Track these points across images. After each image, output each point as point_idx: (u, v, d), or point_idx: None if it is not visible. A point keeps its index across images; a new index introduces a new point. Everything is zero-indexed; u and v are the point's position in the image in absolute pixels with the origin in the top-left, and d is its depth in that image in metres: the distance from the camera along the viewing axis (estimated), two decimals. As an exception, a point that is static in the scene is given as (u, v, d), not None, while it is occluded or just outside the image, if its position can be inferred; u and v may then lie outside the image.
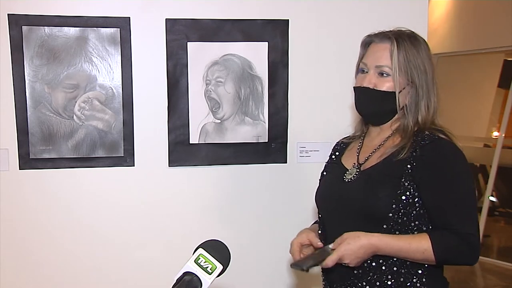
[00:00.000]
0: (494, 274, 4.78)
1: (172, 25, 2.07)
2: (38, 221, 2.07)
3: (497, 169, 5.35)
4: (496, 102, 6.10)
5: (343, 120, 2.14)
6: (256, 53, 2.13)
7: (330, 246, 1.43)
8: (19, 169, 2.03)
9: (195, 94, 2.11)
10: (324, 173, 1.72)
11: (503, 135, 5.39)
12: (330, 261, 1.40)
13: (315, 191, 1.68)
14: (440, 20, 5.99)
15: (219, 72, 2.12)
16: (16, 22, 1.97)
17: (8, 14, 1.97)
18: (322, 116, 2.19)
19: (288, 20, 2.14)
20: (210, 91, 2.12)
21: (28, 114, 2.01)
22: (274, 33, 2.13)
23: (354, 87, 1.59)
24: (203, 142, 2.14)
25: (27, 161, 2.03)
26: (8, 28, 1.97)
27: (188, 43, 2.09)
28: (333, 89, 2.19)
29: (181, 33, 2.08)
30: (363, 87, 1.53)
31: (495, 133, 5.87)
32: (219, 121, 2.14)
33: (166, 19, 2.07)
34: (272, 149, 2.19)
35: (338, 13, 2.18)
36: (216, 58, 2.11)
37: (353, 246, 1.40)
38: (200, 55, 2.10)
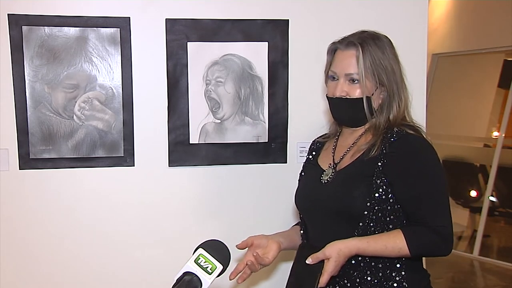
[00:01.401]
0: (494, 274, 4.78)
1: (172, 25, 2.07)
2: (38, 221, 2.07)
3: (497, 169, 5.35)
4: (496, 102, 6.10)
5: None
6: (256, 53, 2.13)
7: (308, 261, 1.43)
8: (19, 169, 2.03)
9: (195, 94, 2.11)
10: (303, 173, 1.77)
11: (503, 135, 5.39)
12: (323, 284, 1.42)
13: (295, 192, 1.72)
14: (440, 20, 5.99)
15: (219, 72, 2.12)
16: (16, 22, 1.97)
17: (8, 14, 1.97)
18: (322, 116, 2.19)
19: (288, 20, 2.14)
20: (210, 91, 2.12)
21: (28, 114, 2.01)
22: (274, 33, 2.13)
23: (327, 96, 1.63)
24: (203, 142, 2.14)
25: (27, 161, 2.03)
26: (8, 28, 1.97)
27: (188, 43, 2.09)
28: (333, 89, 2.19)
29: (181, 33, 2.08)
30: (336, 97, 1.57)
31: (495, 133, 5.87)
32: (219, 121, 2.14)
33: (166, 19, 2.07)
34: (272, 149, 2.19)
35: (338, 13, 2.18)
36: (216, 58, 2.11)
37: (340, 261, 1.43)
38: (200, 55, 2.10)
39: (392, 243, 1.44)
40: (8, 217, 2.05)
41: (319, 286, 1.41)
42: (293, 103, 2.19)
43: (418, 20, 2.23)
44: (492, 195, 5.45)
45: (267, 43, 2.13)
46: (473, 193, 5.82)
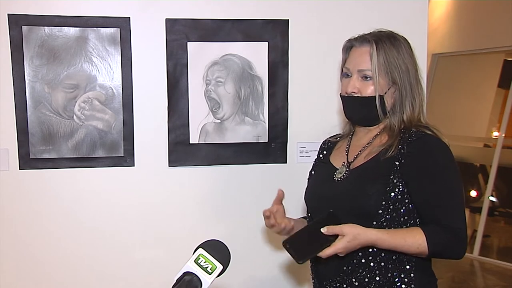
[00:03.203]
0: (494, 274, 4.78)
1: (172, 25, 2.07)
2: (38, 221, 2.07)
3: (497, 169, 5.35)
4: (496, 102, 6.10)
5: (343, 120, 2.13)
6: (256, 53, 2.13)
7: (323, 230, 1.42)
8: (19, 169, 2.03)
9: (195, 94, 2.11)
10: (313, 172, 1.75)
11: (503, 135, 5.39)
12: (324, 255, 1.42)
13: (304, 191, 1.70)
14: (440, 20, 5.99)
15: (219, 72, 2.12)
16: (16, 22, 1.98)
17: (8, 14, 1.97)
18: (322, 116, 2.19)
19: (288, 20, 2.14)
20: (210, 91, 2.13)
21: (28, 114, 2.01)
22: (274, 33, 2.13)
23: (340, 95, 1.62)
24: (203, 142, 2.14)
25: (27, 161, 2.03)
26: (8, 28, 1.97)
27: (188, 43, 2.09)
28: (333, 89, 2.18)
29: (181, 33, 2.08)
30: (348, 96, 1.56)
31: (495, 133, 5.87)
32: (219, 121, 2.14)
33: (166, 19, 2.07)
34: (272, 149, 2.19)
35: (338, 13, 2.18)
36: (216, 58, 2.11)
37: (352, 245, 1.42)
38: (200, 55, 2.10)
39: (412, 238, 1.43)
40: (8, 217, 2.05)
41: (319, 255, 1.41)
42: (293, 103, 2.19)
43: (418, 20, 2.23)
44: (492, 195, 5.45)
45: (267, 43, 2.13)
46: (473, 193, 5.82)
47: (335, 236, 1.42)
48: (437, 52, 6.02)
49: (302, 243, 1.43)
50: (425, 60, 2.26)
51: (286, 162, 2.20)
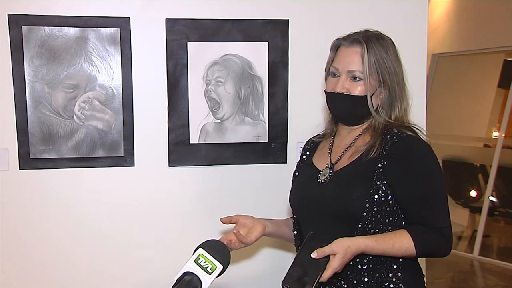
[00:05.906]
0: (494, 274, 4.78)
1: (172, 25, 2.07)
2: (38, 221, 2.07)
3: (497, 169, 5.35)
4: (496, 102, 6.10)
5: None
6: (256, 53, 2.13)
7: (313, 256, 1.40)
8: (19, 169, 2.03)
9: (195, 94, 2.11)
10: (296, 173, 1.74)
11: (503, 135, 5.39)
12: (324, 279, 1.38)
13: (289, 193, 1.70)
14: (440, 20, 5.99)
15: (219, 72, 2.12)
16: (16, 22, 1.98)
17: (8, 14, 1.97)
18: (322, 116, 2.19)
19: (288, 20, 2.14)
20: (210, 91, 2.13)
21: (28, 114, 2.01)
22: (274, 33, 2.13)
23: (326, 91, 1.61)
24: (203, 142, 2.14)
25: (27, 161, 2.03)
26: (8, 28, 1.97)
27: (188, 43, 2.09)
28: (333, 89, 2.19)
29: (181, 33, 2.08)
30: (336, 93, 1.55)
31: (495, 133, 5.87)
32: (219, 121, 2.14)
33: (166, 19, 2.07)
34: (272, 149, 2.19)
35: (338, 13, 2.18)
36: (216, 58, 2.11)
37: (346, 259, 1.41)
38: (200, 55, 2.10)
39: (399, 242, 1.44)
40: (8, 217, 2.05)
41: (320, 280, 1.38)
42: (293, 103, 2.19)
43: (418, 20, 2.24)
44: (492, 195, 5.45)
45: (267, 43, 2.13)
46: (473, 193, 5.82)
47: (327, 257, 1.40)
48: (437, 52, 6.02)
49: (299, 278, 1.39)
50: (425, 60, 2.26)
51: (286, 162, 2.20)
